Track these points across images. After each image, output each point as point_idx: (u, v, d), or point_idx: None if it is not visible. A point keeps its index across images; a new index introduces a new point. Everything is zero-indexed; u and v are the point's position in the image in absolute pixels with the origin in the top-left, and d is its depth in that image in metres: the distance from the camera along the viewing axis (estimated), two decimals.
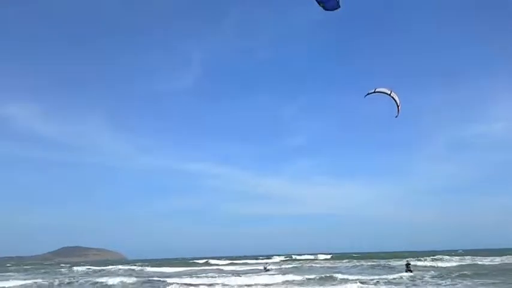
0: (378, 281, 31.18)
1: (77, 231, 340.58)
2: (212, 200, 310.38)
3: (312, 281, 33.55)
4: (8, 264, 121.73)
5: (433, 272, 39.06)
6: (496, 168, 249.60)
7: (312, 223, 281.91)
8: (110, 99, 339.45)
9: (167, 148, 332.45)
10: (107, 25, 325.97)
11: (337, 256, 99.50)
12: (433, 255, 75.05)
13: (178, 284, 32.96)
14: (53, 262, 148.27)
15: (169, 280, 35.73)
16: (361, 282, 30.41)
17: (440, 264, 51.13)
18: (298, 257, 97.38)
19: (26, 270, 68.95)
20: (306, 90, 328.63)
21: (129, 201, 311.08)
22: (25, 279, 40.17)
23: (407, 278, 32.73)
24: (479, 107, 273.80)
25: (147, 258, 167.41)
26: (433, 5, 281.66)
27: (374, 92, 20.78)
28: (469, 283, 28.71)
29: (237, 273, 44.27)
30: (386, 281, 31.33)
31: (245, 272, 47.16)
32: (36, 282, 37.51)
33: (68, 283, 37.27)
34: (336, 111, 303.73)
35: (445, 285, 27.89)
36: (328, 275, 36.67)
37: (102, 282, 36.28)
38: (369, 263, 59.32)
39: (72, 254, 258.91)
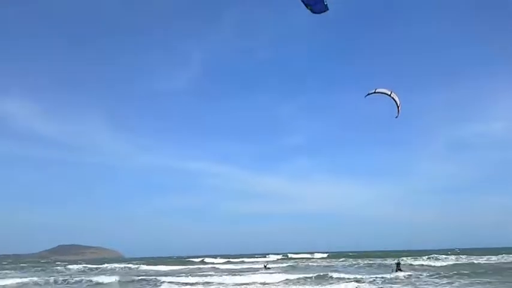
0: (374, 280, 31.10)
1: (74, 230, 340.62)
2: (211, 198, 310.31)
3: (308, 279, 33.43)
4: (5, 262, 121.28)
5: (429, 270, 39.02)
6: (495, 168, 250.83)
7: (310, 222, 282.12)
8: (109, 98, 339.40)
9: (166, 147, 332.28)
10: (107, 25, 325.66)
11: (333, 255, 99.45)
12: (430, 254, 75.10)
13: (170, 282, 32.82)
14: (49, 260, 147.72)
15: (162, 279, 35.56)
16: (357, 281, 30.34)
17: (436, 263, 51.12)
18: (294, 256, 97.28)
19: (22, 268, 68.65)
20: (306, 90, 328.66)
21: (127, 200, 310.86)
22: (21, 278, 40.11)
23: (404, 277, 32.63)
24: (478, 107, 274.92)
25: (144, 256, 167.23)
26: (432, 5, 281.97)
27: (374, 92, 20.73)
28: (465, 282, 28.66)
29: (234, 272, 44.11)
30: (382, 279, 31.22)
31: (242, 271, 46.98)
32: (32, 280, 37.49)
33: (62, 281, 37.13)
34: (336, 111, 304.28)
35: (441, 284, 27.81)
36: (324, 273, 36.59)
37: (95, 281, 36.17)
38: (366, 262, 59.25)
39: (69, 252, 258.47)
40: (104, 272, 52.59)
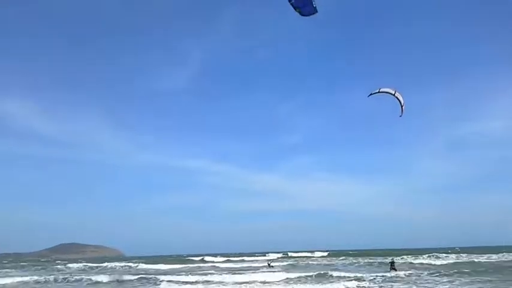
0: (374, 278, 31.05)
1: (75, 228, 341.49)
2: (211, 197, 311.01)
3: (309, 278, 33.37)
4: (5, 261, 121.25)
5: (429, 269, 38.94)
6: (494, 167, 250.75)
7: (310, 220, 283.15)
8: (109, 97, 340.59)
9: (166, 146, 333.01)
10: (107, 24, 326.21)
11: (333, 253, 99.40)
12: (430, 253, 75.02)
13: (170, 281, 32.76)
14: (50, 259, 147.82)
15: (162, 277, 35.53)
16: (358, 280, 30.29)
17: (437, 261, 51.03)
18: (294, 254, 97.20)
19: (22, 267, 68.66)
20: (305, 89, 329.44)
21: (127, 199, 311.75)
22: (21, 276, 40.16)
23: (405, 275, 32.56)
24: (478, 106, 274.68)
25: (145, 255, 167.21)
26: (431, 4, 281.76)
27: (378, 92, 20.68)
28: (466, 280, 28.60)
29: (234, 271, 44.04)
30: (383, 278, 31.16)
31: (241, 270, 46.92)
32: (32, 279, 37.49)
33: (62, 280, 37.11)
34: (335, 110, 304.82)
35: (442, 283, 27.74)
36: (324, 272, 36.54)
37: (95, 280, 36.12)
38: (366, 260, 59.21)
39: (69, 251, 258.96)
40: (104, 270, 52.54)
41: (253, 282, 31.71)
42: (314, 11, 11.97)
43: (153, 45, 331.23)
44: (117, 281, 35.32)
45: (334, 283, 28.82)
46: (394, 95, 20.74)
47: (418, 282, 28.64)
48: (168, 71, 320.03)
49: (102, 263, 70.33)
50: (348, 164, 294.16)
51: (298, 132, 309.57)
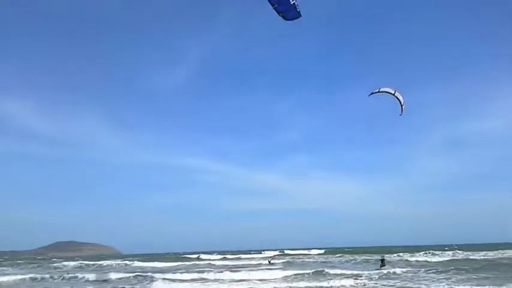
0: (371, 275, 31.02)
1: (71, 227, 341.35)
2: (209, 195, 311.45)
3: (306, 275, 33.31)
4: (1, 259, 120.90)
5: (426, 266, 38.98)
6: (492, 165, 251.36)
7: (307, 218, 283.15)
8: (108, 96, 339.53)
9: (164, 145, 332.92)
10: (105, 23, 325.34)
11: (330, 251, 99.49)
12: (427, 250, 75.17)
13: (165, 279, 32.63)
14: (46, 257, 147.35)
15: (158, 275, 35.39)
16: (355, 277, 30.25)
17: (433, 258, 51.09)
18: (291, 252, 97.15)
19: (19, 264, 68.40)
20: (303, 87, 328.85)
21: (124, 197, 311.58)
22: (16, 274, 40.10)
23: (403, 272, 32.54)
24: (476, 104, 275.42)
25: (141, 253, 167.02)
26: (430, 2, 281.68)
27: (378, 91, 20.67)
28: (462, 277, 28.62)
29: (230, 269, 43.92)
30: (379, 275, 31.14)
31: (238, 267, 46.83)
32: (28, 277, 37.37)
33: (58, 277, 36.97)
34: (333, 108, 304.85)
35: (438, 280, 27.74)
36: (321, 269, 36.50)
37: (91, 277, 36.01)
38: (363, 258, 59.27)
39: (66, 249, 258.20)
40: (101, 268, 52.38)
41: (250, 280, 31.59)
42: (298, 15, 11.85)
43: (151, 44, 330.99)
44: (114, 278, 35.18)
45: (331, 280, 28.74)
46: (394, 94, 20.77)
47: (415, 279, 28.64)
48: (166, 69, 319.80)
49: (98, 260, 70.10)
50: (345, 163, 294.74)
51: (296, 130, 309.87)
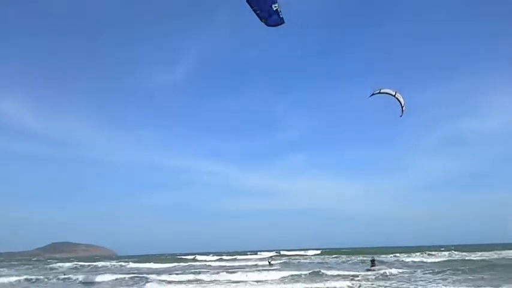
0: (367, 276, 30.94)
1: (67, 228, 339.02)
2: (204, 195, 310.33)
3: (302, 276, 33.19)
4: None
5: (422, 266, 38.95)
6: (490, 164, 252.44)
7: (303, 218, 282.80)
8: (102, 95, 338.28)
9: (159, 144, 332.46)
10: (102, 21, 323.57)
11: (326, 251, 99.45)
12: (423, 251, 75.28)
13: (160, 281, 32.43)
14: (41, 258, 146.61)
15: (153, 276, 35.17)
16: (351, 278, 30.16)
17: (430, 259, 51.12)
18: (287, 253, 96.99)
19: (14, 266, 68.03)
20: (299, 86, 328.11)
21: (120, 198, 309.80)
22: (12, 276, 39.90)
23: (399, 273, 32.48)
24: (474, 102, 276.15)
25: (137, 254, 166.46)
26: (430, 2, 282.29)
27: (379, 92, 20.65)
28: (459, 278, 28.59)
29: (227, 270, 43.71)
30: (376, 276, 31.07)
31: (234, 268, 46.61)
32: (23, 278, 37.15)
33: (53, 279, 36.74)
34: (330, 107, 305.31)
35: (435, 280, 27.70)
36: (318, 270, 36.38)
37: (86, 278, 35.78)
38: (359, 258, 59.23)
39: (61, 250, 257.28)
40: (96, 269, 52.08)
41: (247, 281, 31.43)
42: (281, 21, 11.61)
43: (146, 42, 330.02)
44: (109, 280, 34.96)
45: (327, 281, 28.63)
46: (394, 96, 20.77)
47: (412, 280, 28.57)
48: (162, 67, 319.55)
49: (93, 262, 69.78)
50: (341, 162, 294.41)
51: (292, 130, 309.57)
